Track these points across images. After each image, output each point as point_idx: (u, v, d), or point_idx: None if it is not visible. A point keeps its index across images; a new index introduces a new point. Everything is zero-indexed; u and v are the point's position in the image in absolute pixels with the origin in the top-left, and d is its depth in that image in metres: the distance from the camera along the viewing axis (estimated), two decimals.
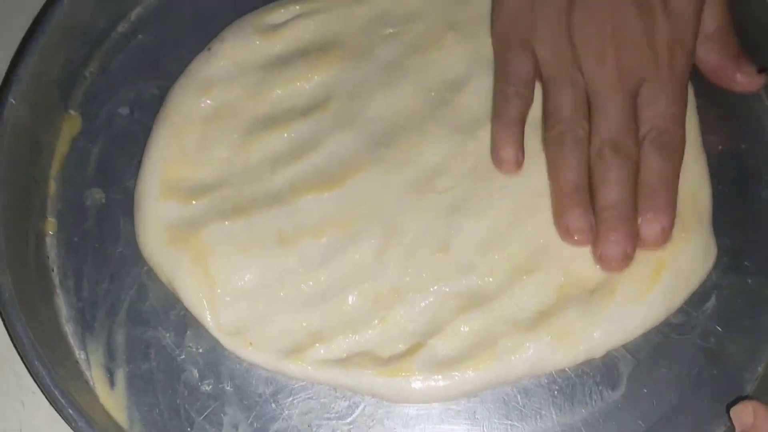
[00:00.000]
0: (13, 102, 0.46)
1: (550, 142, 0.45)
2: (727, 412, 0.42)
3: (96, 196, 0.48)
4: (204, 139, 0.48)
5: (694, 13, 0.45)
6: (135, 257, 0.47)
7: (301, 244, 0.46)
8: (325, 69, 0.49)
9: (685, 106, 0.45)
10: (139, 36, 0.52)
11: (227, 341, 0.44)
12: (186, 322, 0.46)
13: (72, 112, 0.50)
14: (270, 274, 0.45)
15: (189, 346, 0.45)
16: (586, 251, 0.44)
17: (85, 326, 0.46)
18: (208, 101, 0.49)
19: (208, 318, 0.44)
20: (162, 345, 0.45)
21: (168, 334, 0.45)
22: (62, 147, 0.50)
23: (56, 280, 0.47)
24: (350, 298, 0.45)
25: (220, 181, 0.47)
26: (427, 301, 0.45)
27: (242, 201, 0.47)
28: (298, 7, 0.51)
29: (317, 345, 0.44)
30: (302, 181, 0.47)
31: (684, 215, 0.45)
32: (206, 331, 0.45)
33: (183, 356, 0.45)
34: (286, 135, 0.48)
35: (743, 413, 0.40)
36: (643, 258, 0.44)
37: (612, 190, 0.43)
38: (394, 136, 0.48)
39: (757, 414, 0.40)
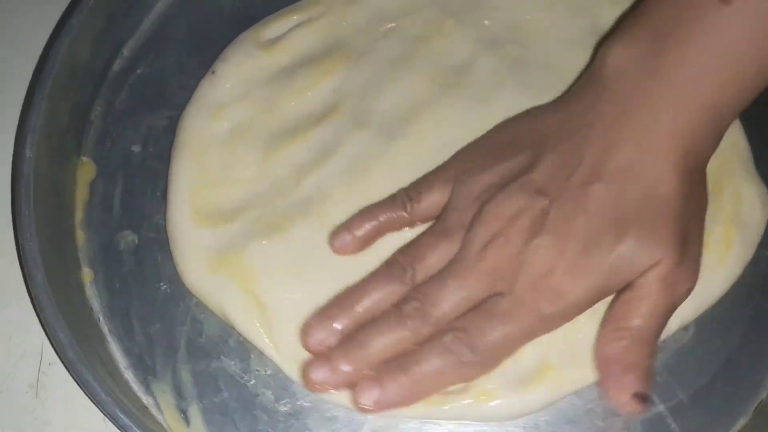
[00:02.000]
0: (30, 156, 0.44)
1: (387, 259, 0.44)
2: None
3: (128, 238, 0.47)
4: (225, 161, 0.47)
5: (596, 288, 0.40)
6: (181, 292, 0.46)
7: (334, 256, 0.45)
8: (332, 73, 0.49)
9: (505, 354, 0.41)
10: (138, 71, 0.51)
11: (291, 368, 0.44)
12: (247, 347, 0.45)
13: (84, 158, 0.49)
14: (318, 289, 0.44)
15: (257, 370, 0.44)
16: None
17: (147, 370, 0.44)
18: (223, 123, 0.48)
19: (268, 345, 0.44)
20: (229, 374, 0.44)
21: (233, 362, 0.44)
22: (82, 194, 0.48)
23: (105, 329, 0.45)
24: None
25: (249, 200, 0.47)
26: None
27: (275, 217, 0.46)
28: (295, 17, 0.51)
29: None
30: (329, 185, 0.46)
31: (730, 167, 0.46)
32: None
33: (253, 381, 0.44)
34: (305, 144, 0.48)
35: None
36: (710, 221, 0.43)
37: (374, 338, 0.41)
38: (409, 126, 0.48)
39: None
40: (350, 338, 0.41)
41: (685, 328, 0.45)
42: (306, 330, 0.42)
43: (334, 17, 0.51)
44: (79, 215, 0.48)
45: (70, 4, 0.52)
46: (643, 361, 0.40)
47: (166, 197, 0.47)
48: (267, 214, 0.46)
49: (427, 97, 0.48)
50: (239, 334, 0.45)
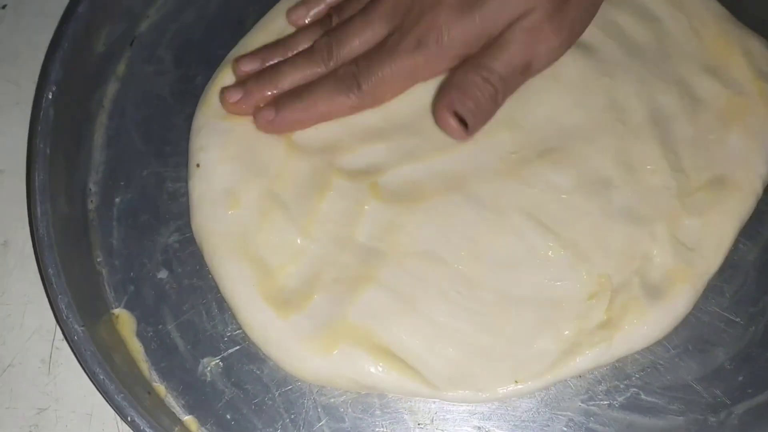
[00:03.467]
0: (80, 330, 0.39)
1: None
2: None
3: (211, 364, 0.42)
4: (269, 243, 0.43)
5: (474, 29, 0.42)
6: (298, 390, 0.42)
7: (435, 276, 0.43)
8: None
9: (389, 89, 0.44)
10: (116, 200, 0.46)
11: (456, 396, 0.41)
12: (395, 409, 0.42)
13: (115, 311, 0.43)
14: (436, 311, 0.42)
15: (419, 425, 0.41)
16: None
17: None
18: (244, 208, 0.44)
19: (424, 388, 0.41)
20: None
21: (391, 430, 0.41)
22: (134, 348, 0.43)
23: None
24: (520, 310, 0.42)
25: (317, 267, 0.43)
26: None
27: (353, 271, 0.43)
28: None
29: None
30: (387, 217, 0.44)
31: (724, 31, 0.47)
32: (422, 401, 0.41)
33: None
34: (335, 192, 0.44)
35: None
36: (737, 83, 0.46)
37: (285, 69, 0.45)
38: (423, 129, 0.46)
39: None
40: (266, 70, 0.46)
41: None
42: (238, 60, 0.46)
43: None
44: (146, 370, 0.42)
45: (28, 158, 0.47)
46: (482, 97, 0.42)
47: (225, 309, 0.43)
48: (344, 272, 0.43)
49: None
50: (380, 401, 0.41)
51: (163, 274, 0.44)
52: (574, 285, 0.42)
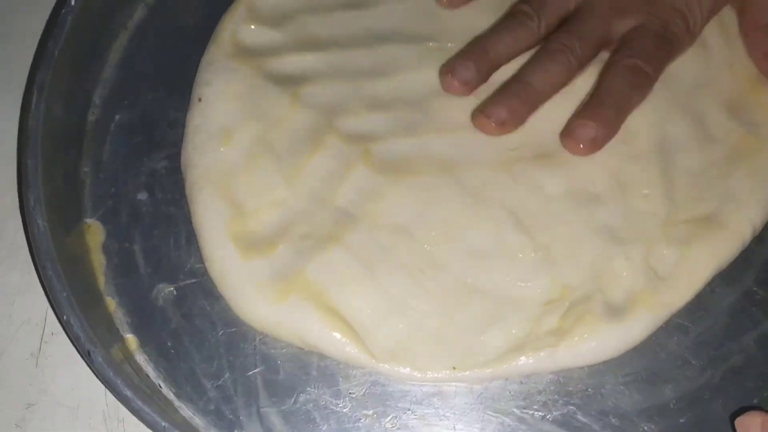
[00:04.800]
0: (42, 225, 0.40)
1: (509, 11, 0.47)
2: (731, 421, 0.39)
3: (166, 290, 0.43)
4: (251, 186, 0.44)
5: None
6: (241, 333, 0.42)
7: (401, 251, 0.42)
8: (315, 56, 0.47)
9: (665, 64, 0.45)
10: (117, 117, 0.47)
11: (392, 371, 0.41)
12: (331, 372, 0.41)
13: (88, 221, 0.44)
14: (394, 285, 0.42)
15: (350, 393, 0.41)
16: None
17: (231, 425, 0.40)
18: (236, 148, 0.44)
19: (361, 355, 0.40)
20: (322, 405, 0.40)
21: (321, 391, 0.41)
22: (97, 259, 0.43)
23: (171, 396, 0.41)
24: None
25: (290, 219, 0.43)
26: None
27: (324, 229, 0.43)
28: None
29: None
30: (370, 184, 0.44)
31: None
32: (360, 372, 0.41)
33: (350, 406, 0.41)
34: (325, 152, 0.45)
35: (750, 425, 0.37)
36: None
37: (531, 70, 0.44)
38: (429, 109, 0.46)
39: (764, 426, 0.36)
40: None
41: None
42: (448, 71, 0.45)
43: (301, 18, 0.49)
44: (102, 283, 0.43)
45: (34, 60, 0.49)
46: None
47: (193, 241, 0.43)
48: (315, 229, 0.43)
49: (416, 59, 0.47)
50: (319, 362, 0.41)
51: (142, 196, 0.45)
52: (536, 288, 0.42)
